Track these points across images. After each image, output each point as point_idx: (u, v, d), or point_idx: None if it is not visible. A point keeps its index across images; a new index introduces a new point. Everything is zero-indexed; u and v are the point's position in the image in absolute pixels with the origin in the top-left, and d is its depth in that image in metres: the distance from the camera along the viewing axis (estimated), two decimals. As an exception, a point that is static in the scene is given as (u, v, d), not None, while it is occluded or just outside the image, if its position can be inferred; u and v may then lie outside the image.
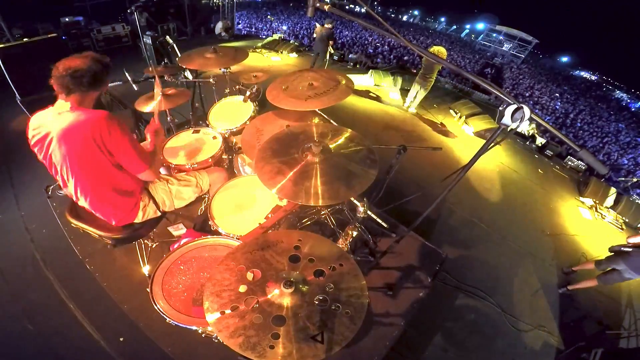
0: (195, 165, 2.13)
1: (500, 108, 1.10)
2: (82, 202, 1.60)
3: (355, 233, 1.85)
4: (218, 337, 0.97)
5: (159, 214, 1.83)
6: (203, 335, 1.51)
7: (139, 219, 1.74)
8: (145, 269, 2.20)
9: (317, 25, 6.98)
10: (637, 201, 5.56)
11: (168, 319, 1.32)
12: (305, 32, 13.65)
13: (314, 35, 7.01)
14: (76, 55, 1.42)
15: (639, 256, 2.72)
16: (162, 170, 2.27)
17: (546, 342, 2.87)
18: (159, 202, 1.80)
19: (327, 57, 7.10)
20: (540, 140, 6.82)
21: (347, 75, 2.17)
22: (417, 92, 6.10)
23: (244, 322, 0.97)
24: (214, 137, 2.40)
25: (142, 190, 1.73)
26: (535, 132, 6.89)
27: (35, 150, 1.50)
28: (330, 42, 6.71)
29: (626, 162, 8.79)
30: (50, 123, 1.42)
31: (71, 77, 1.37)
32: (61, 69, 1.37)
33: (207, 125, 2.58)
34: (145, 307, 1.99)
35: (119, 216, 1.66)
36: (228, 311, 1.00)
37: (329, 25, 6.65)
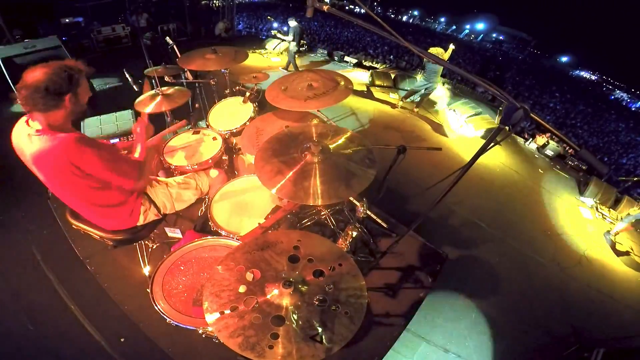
0: (195, 167, 2.13)
1: (501, 108, 1.10)
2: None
3: (355, 233, 1.85)
4: (218, 337, 0.97)
5: (159, 216, 1.84)
6: (203, 336, 1.51)
7: (140, 222, 1.74)
8: (146, 270, 2.20)
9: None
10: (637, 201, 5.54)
11: (168, 319, 1.32)
12: (305, 32, 13.66)
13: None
14: (38, 66, 1.25)
15: None
16: (161, 173, 2.28)
17: (547, 341, 2.87)
18: (159, 205, 1.80)
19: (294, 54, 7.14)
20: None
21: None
22: (420, 93, 6.12)
23: (244, 322, 0.97)
24: (214, 138, 2.40)
25: (138, 197, 1.72)
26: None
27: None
28: (290, 39, 6.75)
29: (626, 161, 8.77)
30: (24, 146, 1.33)
31: (23, 95, 1.22)
32: (19, 83, 1.23)
33: (207, 126, 2.58)
34: (145, 307, 1.99)
35: (115, 225, 1.67)
36: (228, 311, 1.00)
37: (295, 23, 6.70)
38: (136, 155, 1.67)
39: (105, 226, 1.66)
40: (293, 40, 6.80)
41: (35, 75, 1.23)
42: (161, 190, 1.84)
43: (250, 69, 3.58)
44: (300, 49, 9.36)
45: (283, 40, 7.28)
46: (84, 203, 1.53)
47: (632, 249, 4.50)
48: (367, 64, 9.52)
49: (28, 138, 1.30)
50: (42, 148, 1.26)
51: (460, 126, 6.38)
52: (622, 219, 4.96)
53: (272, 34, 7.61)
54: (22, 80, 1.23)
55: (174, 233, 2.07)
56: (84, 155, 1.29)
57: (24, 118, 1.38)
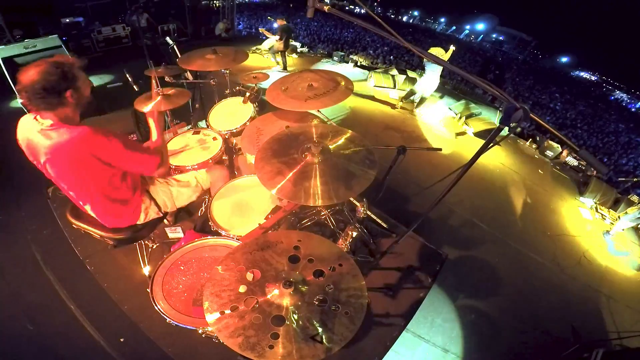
0: (195, 166, 2.13)
1: (501, 108, 1.11)
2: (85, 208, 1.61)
3: (355, 233, 1.86)
4: (218, 337, 0.97)
5: (160, 214, 1.84)
6: (203, 336, 1.51)
7: (140, 220, 1.74)
8: (146, 270, 2.20)
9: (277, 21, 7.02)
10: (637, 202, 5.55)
11: (168, 319, 1.32)
12: (305, 32, 13.68)
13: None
14: (31, 65, 1.23)
15: None
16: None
17: (546, 342, 2.87)
18: (160, 203, 1.80)
19: (284, 52, 7.17)
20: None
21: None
22: (420, 94, 6.13)
23: (244, 322, 0.97)
24: (214, 138, 2.40)
25: (140, 194, 1.72)
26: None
27: (30, 159, 1.45)
28: (276, 38, 6.78)
29: (625, 162, 8.78)
30: (36, 141, 1.32)
31: (25, 97, 1.22)
32: (17, 86, 1.23)
33: (207, 126, 2.59)
34: (145, 307, 1.99)
35: (117, 222, 1.67)
36: (228, 311, 1.00)
37: (283, 22, 6.75)
38: (154, 138, 1.71)
39: (107, 223, 1.66)
40: (280, 40, 6.82)
41: (29, 76, 1.22)
42: (161, 188, 1.84)
43: (250, 69, 3.58)
44: (301, 49, 9.38)
45: (269, 37, 7.30)
46: (95, 196, 1.52)
47: (631, 250, 4.51)
48: (366, 63, 9.53)
49: (41, 134, 1.30)
50: (61, 141, 1.27)
51: (456, 126, 6.37)
52: (619, 218, 4.98)
53: (260, 31, 7.61)
54: (18, 82, 1.23)
55: (175, 233, 2.07)
56: (103, 144, 1.31)
57: (30, 115, 1.37)
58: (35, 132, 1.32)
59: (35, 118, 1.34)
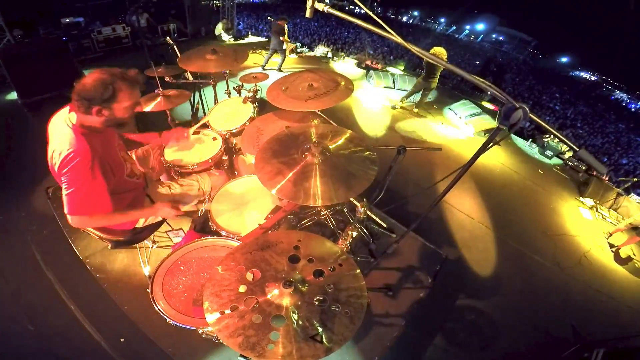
0: (195, 167, 2.13)
1: (500, 108, 1.11)
2: None
3: (355, 233, 1.86)
4: (218, 337, 0.97)
5: (160, 218, 1.84)
6: (203, 336, 1.51)
7: (140, 224, 1.74)
8: (146, 270, 2.20)
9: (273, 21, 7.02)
10: (637, 201, 5.55)
11: (168, 320, 1.32)
12: (305, 32, 13.72)
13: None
14: (98, 71, 1.30)
15: None
16: (163, 176, 2.28)
17: (546, 342, 2.87)
18: None
19: (287, 53, 7.17)
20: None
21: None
22: (420, 94, 6.14)
23: (244, 322, 0.97)
24: (214, 138, 2.40)
25: (140, 200, 1.71)
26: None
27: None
28: (281, 37, 6.73)
29: (626, 162, 8.79)
30: (55, 130, 1.38)
31: (73, 90, 1.30)
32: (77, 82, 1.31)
33: (207, 126, 2.59)
34: (145, 307, 1.98)
35: (115, 226, 1.67)
36: (228, 311, 1.00)
37: (281, 22, 6.72)
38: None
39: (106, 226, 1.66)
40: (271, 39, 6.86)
41: (86, 78, 1.29)
42: (164, 192, 1.84)
43: (249, 69, 3.59)
44: (301, 49, 9.38)
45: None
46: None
47: (632, 250, 4.50)
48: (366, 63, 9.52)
49: (61, 127, 1.35)
50: (65, 147, 1.30)
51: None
52: (621, 219, 4.98)
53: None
54: (79, 79, 1.30)
55: (178, 237, 2.06)
56: (77, 169, 1.30)
57: (68, 107, 1.41)
58: (61, 122, 1.37)
59: (69, 111, 1.39)
